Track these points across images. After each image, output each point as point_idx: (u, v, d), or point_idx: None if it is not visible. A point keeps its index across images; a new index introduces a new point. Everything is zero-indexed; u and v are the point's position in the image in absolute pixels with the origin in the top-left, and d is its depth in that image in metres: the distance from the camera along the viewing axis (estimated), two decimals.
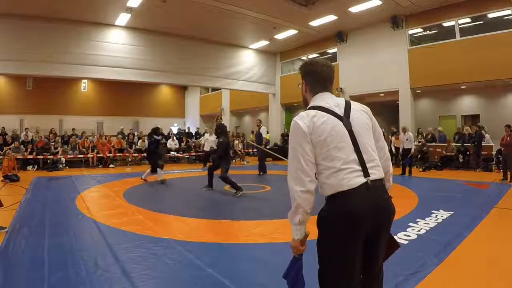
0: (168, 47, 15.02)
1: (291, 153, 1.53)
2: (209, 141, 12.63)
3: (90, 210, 5.24)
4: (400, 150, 10.38)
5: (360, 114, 1.59)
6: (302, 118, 1.52)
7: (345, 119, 1.52)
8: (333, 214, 1.46)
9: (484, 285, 2.67)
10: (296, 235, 1.53)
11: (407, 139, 10.01)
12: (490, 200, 5.82)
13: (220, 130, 7.18)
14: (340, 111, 1.54)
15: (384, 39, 13.61)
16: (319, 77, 1.64)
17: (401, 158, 10.44)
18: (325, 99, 1.60)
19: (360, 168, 1.46)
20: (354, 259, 1.44)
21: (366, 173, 1.46)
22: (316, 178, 1.52)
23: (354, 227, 1.41)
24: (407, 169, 9.96)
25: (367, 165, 1.48)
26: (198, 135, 17.73)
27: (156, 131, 8.90)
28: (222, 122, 19.92)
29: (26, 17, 11.78)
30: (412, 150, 10.10)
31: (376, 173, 1.50)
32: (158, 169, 8.54)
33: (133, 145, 14.64)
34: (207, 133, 13.65)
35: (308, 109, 1.59)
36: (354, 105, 1.62)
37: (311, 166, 1.48)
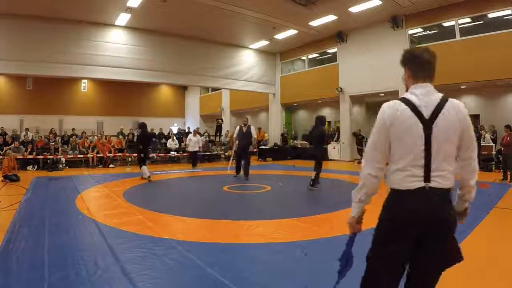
0: (168, 47, 15.02)
1: (371, 136, 1.59)
2: (192, 141, 12.62)
3: (90, 210, 5.24)
4: None
5: (449, 119, 1.48)
6: (389, 108, 1.54)
7: (428, 122, 1.47)
8: (388, 206, 1.55)
9: (484, 285, 2.67)
10: (353, 212, 1.61)
11: None
12: (490, 200, 5.80)
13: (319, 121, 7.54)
14: (427, 112, 1.48)
15: (384, 39, 13.61)
16: (418, 63, 1.59)
17: None
18: (418, 92, 1.54)
19: (422, 174, 1.46)
20: (391, 255, 1.49)
21: (427, 179, 1.46)
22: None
23: (399, 226, 1.48)
24: None
25: (432, 173, 1.46)
26: (198, 135, 17.71)
27: (145, 125, 9.09)
28: (221, 123, 19.93)
29: (26, 17, 11.78)
30: None
31: (440, 182, 1.47)
32: (143, 166, 8.77)
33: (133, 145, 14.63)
34: (191, 133, 13.59)
35: (401, 97, 1.57)
36: (449, 107, 1.50)
37: (384, 154, 1.54)
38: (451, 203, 1.54)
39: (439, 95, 1.54)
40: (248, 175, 8.87)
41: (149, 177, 8.59)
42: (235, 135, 9.39)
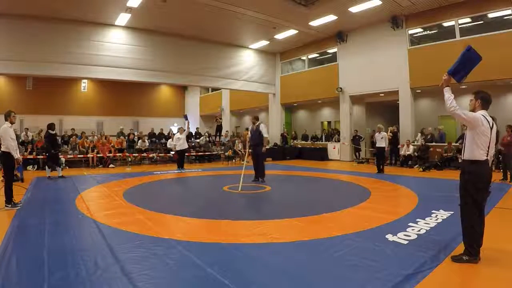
0: (168, 47, 15.03)
1: (466, 113, 3.11)
2: (181, 139, 11.82)
3: (90, 210, 5.24)
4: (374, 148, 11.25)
5: (495, 127, 3.13)
6: (484, 116, 3.09)
7: (491, 127, 3.08)
8: (472, 169, 3.09)
9: (484, 285, 2.68)
10: (445, 85, 3.42)
11: (381, 138, 10.55)
12: (489, 200, 5.78)
13: None
14: (490, 124, 3.09)
15: (384, 39, 13.62)
16: (487, 102, 3.23)
17: (376, 157, 11.09)
18: (486, 114, 3.15)
19: (487, 151, 3.07)
20: (478, 192, 3.05)
21: (487, 154, 3.06)
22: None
23: (480, 178, 3.06)
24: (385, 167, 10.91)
25: (489, 151, 3.07)
26: (198, 135, 17.72)
27: (51, 126, 9.58)
28: (221, 122, 19.79)
29: (26, 17, 11.78)
30: (387, 148, 10.96)
31: (491, 156, 3.12)
32: (48, 166, 9.51)
33: (134, 145, 14.64)
34: (178, 132, 12.48)
35: (480, 115, 3.10)
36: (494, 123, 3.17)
37: (462, 117, 3.06)
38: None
39: (489, 117, 3.15)
40: (263, 177, 8.47)
41: (49, 177, 9.24)
42: (248, 136, 8.75)
